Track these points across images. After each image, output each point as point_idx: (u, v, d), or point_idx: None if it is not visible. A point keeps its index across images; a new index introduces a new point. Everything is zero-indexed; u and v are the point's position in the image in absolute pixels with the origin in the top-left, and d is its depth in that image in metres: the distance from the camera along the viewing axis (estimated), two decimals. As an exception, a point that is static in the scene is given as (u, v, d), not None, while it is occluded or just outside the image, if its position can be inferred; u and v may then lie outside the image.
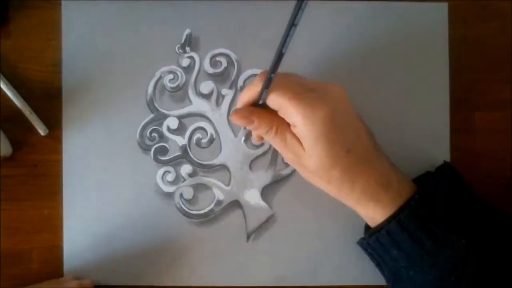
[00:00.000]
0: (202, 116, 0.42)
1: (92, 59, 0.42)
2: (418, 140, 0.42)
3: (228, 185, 0.42)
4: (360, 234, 0.39)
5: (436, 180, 0.35)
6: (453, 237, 0.33)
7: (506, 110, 0.43)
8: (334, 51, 0.43)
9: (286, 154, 0.34)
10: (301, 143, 0.33)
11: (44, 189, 0.42)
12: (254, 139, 0.38)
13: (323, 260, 0.42)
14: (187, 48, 0.42)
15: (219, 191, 0.42)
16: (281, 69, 0.43)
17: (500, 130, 0.43)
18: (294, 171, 0.42)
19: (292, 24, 0.27)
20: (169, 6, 0.42)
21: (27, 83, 0.42)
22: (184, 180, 0.42)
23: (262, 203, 0.42)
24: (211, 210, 0.42)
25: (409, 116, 0.43)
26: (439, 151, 0.42)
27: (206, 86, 0.42)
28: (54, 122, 0.42)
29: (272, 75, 0.30)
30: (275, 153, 0.42)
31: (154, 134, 0.42)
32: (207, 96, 0.42)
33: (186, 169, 0.42)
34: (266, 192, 0.42)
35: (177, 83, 0.42)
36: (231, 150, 0.42)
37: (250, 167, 0.42)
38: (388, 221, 0.34)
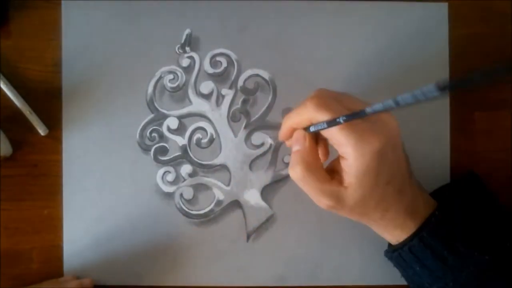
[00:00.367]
0: (202, 116, 0.42)
1: (92, 59, 0.42)
2: (418, 140, 0.42)
3: (228, 185, 0.42)
4: (361, 233, 0.39)
5: (456, 194, 0.35)
6: (476, 253, 0.32)
7: (506, 110, 0.43)
8: (334, 51, 0.43)
9: (320, 198, 0.32)
10: (341, 182, 0.31)
11: (44, 189, 0.42)
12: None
13: (323, 260, 0.42)
14: (187, 48, 0.42)
15: (219, 191, 0.42)
16: (283, 69, 0.43)
17: (500, 130, 0.43)
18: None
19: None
20: (169, 6, 0.42)
21: (27, 83, 0.42)
22: (184, 180, 0.42)
23: (262, 203, 0.42)
24: (211, 210, 0.42)
25: (409, 116, 0.43)
26: (439, 151, 0.42)
27: (206, 86, 0.42)
28: (54, 122, 0.42)
29: (342, 120, 0.28)
30: (275, 153, 0.42)
31: (154, 134, 0.42)
32: (207, 96, 0.42)
33: (186, 169, 0.42)
34: (266, 192, 0.42)
35: (177, 83, 0.42)
36: (231, 150, 0.42)
37: (250, 167, 0.42)
38: (410, 238, 0.33)
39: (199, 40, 0.42)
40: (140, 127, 0.42)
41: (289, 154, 0.42)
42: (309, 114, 0.30)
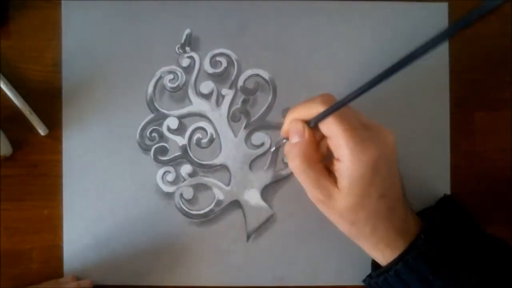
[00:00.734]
0: (202, 116, 0.42)
1: (92, 59, 0.42)
2: (418, 140, 0.42)
3: (228, 185, 0.42)
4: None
5: (441, 217, 0.35)
6: (462, 275, 0.32)
7: (506, 110, 0.43)
8: (334, 51, 0.43)
9: (314, 190, 0.32)
10: (335, 182, 0.31)
11: (44, 189, 0.42)
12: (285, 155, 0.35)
13: (323, 260, 0.42)
14: (187, 48, 0.42)
15: (219, 191, 0.42)
16: (283, 69, 0.43)
17: (500, 130, 0.43)
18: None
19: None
20: (169, 6, 0.42)
21: (27, 83, 0.42)
22: (184, 180, 0.42)
23: (262, 203, 0.42)
24: (211, 210, 0.42)
25: (409, 116, 0.43)
26: (439, 151, 0.43)
27: (206, 86, 0.42)
28: (54, 122, 0.42)
29: (348, 98, 0.29)
30: (275, 153, 0.42)
31: (154, 134, 0.42)
32: (207, 96, 0.42)
33: (186, 169, 0.42)
34: (266, 192, 0.42)
35: (177, 83, 0.42)
36: (231, 150, 0.42)
37: (250, 167, 0.42)
38: (395, 262, 0.33)
39: (199, 40, 0.42)
40: (140, 127, 0.42)
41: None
42: (318, 108, 0.30)
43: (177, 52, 0.42)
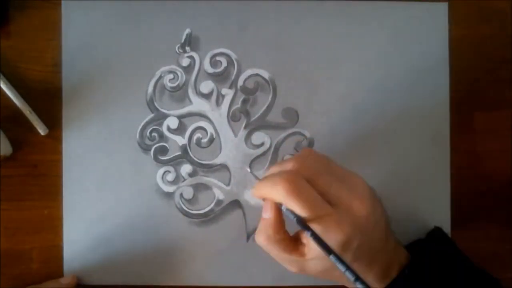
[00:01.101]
0: (202, 116, 0.42)
1: (92, 59, 0.42)
2: (418, 140, 0.42)
3: (228, 185, 0.42)
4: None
5: (425, 251, 0.35)
6: None
7: (506, 110, 0.43)
8: (334, 51, 0.43)
9: (282, 263, 0.32)
10: (304, 251, 0.31)
11: (44, 189, 0.42)
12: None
13: (323, 260, 0.42)
14: (187, 48, 0.42)
15: (219, 191, 0.42)
16: (283, 69, 0.43)
17: (500, 130, 0.43)
18: (294, 171, 0.42)
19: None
20: (169, 6, 0.42)
21: (27, 83, 0.42)
22: (184, 180, 0.42)
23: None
24: (211, 210, 0.42)
25: (409, 116, 0.43)
26: (439, 151, 0.42)
27: (206, 86, 0.42)
28: (54, 122, 0.42)
29: (309, 235, 0.29)
30: (275, 153, 0.42)
31: (154, 134, 0.42)
32: (207, 96, 0.42)
33: (186, 169, 0.42)
34: (266, 192, 0.42)
35: (177, 83, 0.42)
36: (231, 150, 0.42)
37: (250, 167, 0.42)
38: None
39: (199, 40, 0.42)
40: (140, 127, 0.42)
41: (290, 154, 0.42)
42: (280, 198, 0.30)
43: (177, 52, 0.42)
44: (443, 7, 0.43)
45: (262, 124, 0.42)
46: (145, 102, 0.42)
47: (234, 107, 0.42)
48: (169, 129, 0.42)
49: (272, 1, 0.43)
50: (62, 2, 0.42)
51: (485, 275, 0.36)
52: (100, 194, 0.42)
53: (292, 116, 0.42)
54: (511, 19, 0.43)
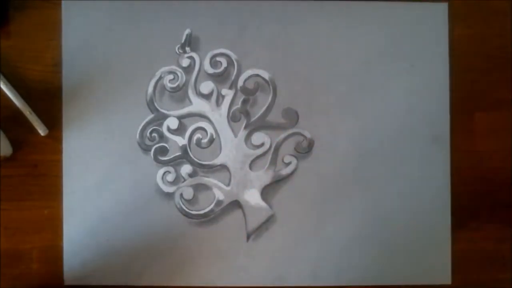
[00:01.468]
0: (202, 116, 0.42)
1: (92, 59, 0.42)
2: (418, 140, 0.42)
3: (228, 185, 0.42)
4: (361, 233, 0.39)
5: None
6: None
7: (506, 110, 0.43)
8: (334, 51, 0.43)
9: None
10: None
11: (44, 189, 0.42)
12: None
13: (323, 260, 0.42)
14: (187, 48, 0.42)
15: (219, 191, 0.42)
16: (283, 69, 0.43)
17: (500, 130, 0.43)
18: (294, 171, 0.42)
19: None
20: (169, 6, 0.42)
21: (27, 83, 0.42)
22: (184, 180, 0.42)
23: (262, 203, 0.42)
24: (211, 210, 0.42)
25: (409, 116, 0.43)
26: (439, 151, 0.43)
27: (206, 86, 0.42)
28: (54, 122, 0.42)
29: None
30: (275, 153, 0.42)
31: (154, 134, 0.42)
32: (207, 96, 0.42)
33: (186, 169, 0.42)
34: (266, 192, 0.42)
35: (177, 83, 0.42)
36: (231, 150, 0.42)
37: (250, 167, 0.42)
38: None
39: (199, 40, 0.42)
40: (140, 127, 0.42)
41: (289, 154, 0.42)
42: None
43: (177, 52, 0.42)
44: (443, 7, 0.43)
45: (262, 125, 0.42)
46: (145, 103, 0.42)
47: (234, 108, 0.42)
48: (169, 129, 0.42)
49: (272, 1, 0.43)
50: (62, 2, 0.42)
51: None
52: (100, 194, 0.42)
53: (292, 116, 0.42)
54: (511, 19, 0.43)
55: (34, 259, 0.42)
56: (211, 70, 0.42)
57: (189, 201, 0.42)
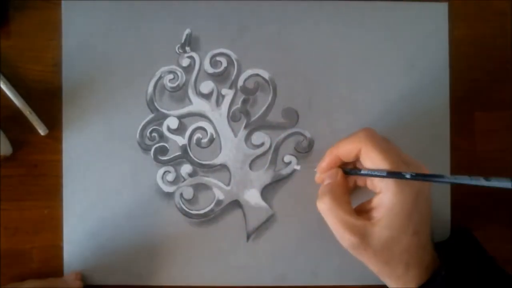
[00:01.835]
0: (202, 116, 0.42)
1: (92, 59, 0.42)
2: (418, 140, 0.42)
3: (228, 185, 0.42)
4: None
5: (458, 253, 0.35)
6: None
7: (506, 110, 0.43)
8: (334, 51, 0.43)
9: (344, 231, 0.32)
10: (369, 219, 0.32)
11: (44, 189, 0.42)
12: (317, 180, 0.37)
13: (323, 260, 0.42)
14: (187, 48, 0.42)
15: (219, 191, 0.42)
16: (283, 69, 0.43)
17: (500, 130, 0.43)
18: (294, 171, 0.42)
19: None
20: (169, 6, 0.42)
21: (27, 83, 0.42)
22: (184, 180, 0.42)
23: (262, 203, 0.42)
24: (211, 210, 0.42)
25: (409, 116, 0.43)
26: (439, 151, 0.43)
27: (206, 86, 0.42)
28: (54, 122, 0.42)
29: (409, 175, 0.31)
30: (275, 153, 0.42)
31: (154, 134, 0.42)
32: (207, 96, 0.42)
33: (186, 169, 0.42)
34: (266, 192, 0.42)
35: (177, 83, 0.42)
36: (231, 150, 0.42)
37: (250, 167, 0.42)
38: None
39: (199, 40, 0.42)
40: (140, 127, 0.42)
41: (289, 154, 0.42)
42: (361, 143, 0.32)
43: (177, 52, 0.42)
44: (443, 7, 0.43)
45: (262, 124, 0.42)
46: (145, 102, 0.42)
47: (234, 107, 0.42)
48: (169, 129, 0.42)
49: (272, 1, 0.43)
50: (62, 2, 0.42)
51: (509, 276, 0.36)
52: (100, 194, 0.42)
53: (292, 116, 0.42)
54: (511, 19, 0.43)
55: (34, 259, 0.42)
56: (211, 70, 0.42)
57: (189, 201, 0.42)
